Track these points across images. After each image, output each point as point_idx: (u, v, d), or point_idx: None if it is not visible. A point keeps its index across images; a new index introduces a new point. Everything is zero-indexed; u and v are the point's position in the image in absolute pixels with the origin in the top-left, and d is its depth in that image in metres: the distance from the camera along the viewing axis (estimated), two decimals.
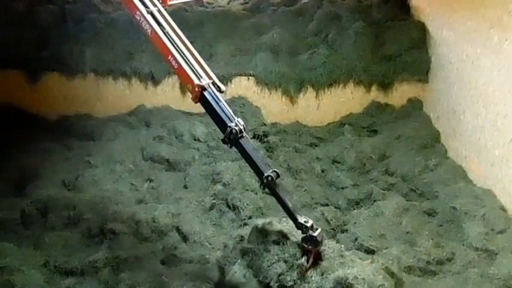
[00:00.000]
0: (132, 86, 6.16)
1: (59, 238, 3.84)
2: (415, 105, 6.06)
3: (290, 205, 3.03)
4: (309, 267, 2.94)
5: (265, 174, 2.97)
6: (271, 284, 2.92)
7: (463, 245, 3.81)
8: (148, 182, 4.80)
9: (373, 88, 6.13)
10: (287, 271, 2.93)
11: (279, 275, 2.92)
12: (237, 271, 3.10)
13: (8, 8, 6.29)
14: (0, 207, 4.21)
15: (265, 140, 5.54)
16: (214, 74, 3.28)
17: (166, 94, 6.20)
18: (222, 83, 3.28)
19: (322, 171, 5.09)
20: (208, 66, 3.31)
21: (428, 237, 3.90)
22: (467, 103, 4.85)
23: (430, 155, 5.09)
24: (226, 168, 4.79)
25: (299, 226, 2.96)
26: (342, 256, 3.05)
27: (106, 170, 4.86)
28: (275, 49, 6.10)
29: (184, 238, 3.95)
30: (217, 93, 3.15)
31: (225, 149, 5.35)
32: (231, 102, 5.83)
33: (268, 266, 3.00)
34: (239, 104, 5.96)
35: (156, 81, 6.13)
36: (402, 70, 6.02)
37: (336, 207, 4.47)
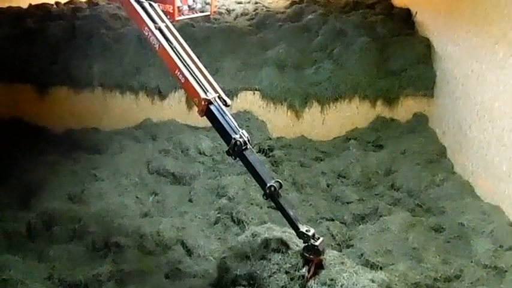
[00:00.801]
0: (139, 100, 6.23)
1: (63, 251, 3.85)
2: (420, 120, 6.05)
3: (292, 214, 3.02)
4: (311, 277, 2.91)
5: (268, 185, 2.99)
6: None
7: (471, 261, 3.74)
8: (153, 195, 4.80)
9: (379, 103, 6.14)
10: (289, 284, 2.90)
11: (281, 287, 2.89)
12: None
13: (19, 25, 6.45)
14: (5, 220, 4.24)
15: (270, 154, 5.55)
16: (220, 88, 3.33)
17: (173, 108, 6.25)
18: (228, 97, 3.32)
19: (328, 186, 5.07)
20: (215, 80, 3.36)
21: (435, 254, 3.83)
22: (473, 118, 4.84)
23: (436, 170, 5.05)
24: (232, 182, 4.79)
25: (301, 235, 2.95)
26: (342, 263, 3.03)
27: (112, 183, 4.88)
28: (281, 64, 6.16)
29: (189, 252, 3.93)
30: (223, 107, 3.19)
31: (230, 163, 5.36)
32: (236, 116, 5.86)
33: (269, 276, 2.96)
34: (245, 118, 6.00)
35: (162, 96, 6.20)
36: (407, 85, 6.04)
37: (341, 222, 4.43)
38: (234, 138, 3.04)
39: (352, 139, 5.96)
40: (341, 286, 2.83)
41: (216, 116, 3.13)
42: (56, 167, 5.11)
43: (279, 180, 3.04)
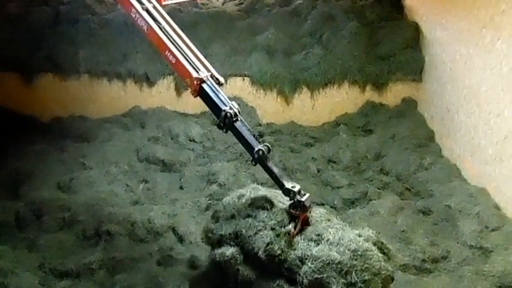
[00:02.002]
0: (127, 87, 6.15)
1: (53, 240, 3.83)
2: (409, 105, 6.10)
3: (276, 171, 3.02)
4: (297, 234, 2.92)
5: (256, 149, 2.98)
6: (259, 253, 2.90)
7: (458, 243, 3.83)
8: (143, 183, 4.79)
9: (368, 88, 6.16)
10: (275, 239, 2.89)
11: (267, 244, 2.88)
12: (225, 251, 3.04)
13: (1, 10, 6.26)
14: None
15: (260, 140, 5.53)
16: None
17: (162, 95, 6.19)
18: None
19: (318, 171, 5.11)
20: None
21: (423, 236, 3.92)
22: (460, 102, 4.89)
23: (424, 154, 5.12)
24: (222, 168, 4.79)
25: (286, 192, 2.95)
26: (329, 220, 3.06)
27: (101, 171, 4.85)
28: (270, 49, 6.12)
29: (180, 239, 3.95)
30: (216, 86, 3.14)
31: (220, 150, 5.36)
32: None
33: (255, 234, 2.96)
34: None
35: (151, 83, 6.13)
36: (396, 70, 6.06)
37: (331, 207, 4.49)
38: (224, 110, 3.01)
39: (341, 124, 5.99)
40: (327, 241, 2.85)
41: (209, 95, 3.08)
42: (44, 156, 5.05)
43: (267, 145, 3.05)
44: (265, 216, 3.02)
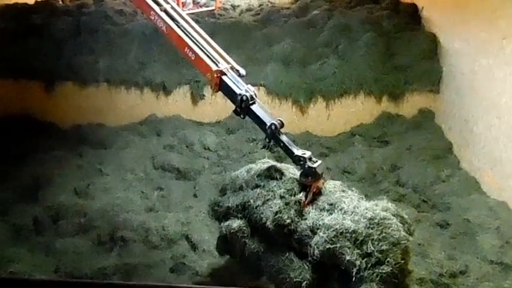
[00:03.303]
0: (144, 95, 6.25)
1: (69, 245, 3.88)
2: (426, 116, 6.01)
3: (286, 139, 2.91)
4: (308, 203, 2.73)
5: (269, 123, 2.88)
6: (267, 224, 2.70)
7: (477, 257, 3.72)
8: (158, 190, 4.82)
9: (384, 98, 6.11)
10: (284, 208, 2.69)
11: (275, 213, 2.68)
12: (231, 224, 2.88)
13: (25, 21, 6.48)
14: (13, 214, 4.28)
15: (275, 150, 5.54)
16: None
17: (178, 104, 6.26)
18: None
19: None
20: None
21: (440, 249, 3.82)
22: (480, 114, 4.80)
23: (442, 166, 5.02)
24: None
25: (296, 159, 2.79)
26: (343, 191, 2.87)
27: (117, 178, 4.91)
28: (286, 59, 6.14)
29: (194, 247, 3.95)
30: (236, 77, 3.13)
31: (235, 159, 5.37)
32: None
33: (263, 204, 2.77)
34: None
35: (167, 91, 6.21)
36: (413, 80, 6.00)
37: None
38: (240, 94, 2.95)
39: (357, 135, 5.93)
40: (341, 210, 2.64)
41: (229, 86, 3.03)
42: (63, 162, 5.14)
43: (281, 119, 2.94)
44: (275, 186, 2.83)
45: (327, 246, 2.48)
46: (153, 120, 6.14)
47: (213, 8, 6.67)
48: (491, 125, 4.55)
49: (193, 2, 5.93)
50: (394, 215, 2.64)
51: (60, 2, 7.71)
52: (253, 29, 6.49)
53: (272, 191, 2.81)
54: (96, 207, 4.28)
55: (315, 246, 2.54)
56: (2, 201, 4.42)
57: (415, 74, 5.98)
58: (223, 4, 7.79)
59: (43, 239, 4.00)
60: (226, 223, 2.92)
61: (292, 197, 2.73)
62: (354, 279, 2.43)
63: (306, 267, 2.65)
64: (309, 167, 2.73)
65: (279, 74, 6.02)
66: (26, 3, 7.22)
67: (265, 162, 3.13)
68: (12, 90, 6.17)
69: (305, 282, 2.63)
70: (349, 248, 2.45)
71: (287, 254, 2.71)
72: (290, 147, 2.87)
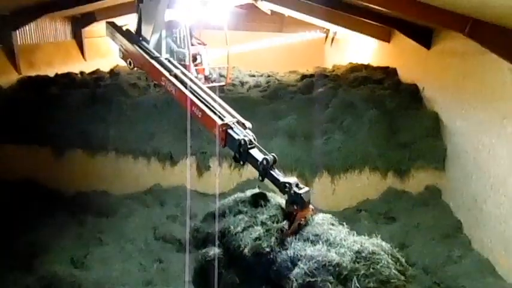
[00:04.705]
0: (150, 165, 6.32)
1: None
2: (433, 193, 5.95)
3: (276, 173, 2.79)
4: (292, 233, 2.50)
5: (261, 159, 2.81)
6: (245, 251, 2.46)
7: None
8: (158, 262, 4.66)
9: (389, 174, 6.11)
10: (264, 236, 2.47)
11: (255, 240, 2.45)
12: (208, 251, 2.69)
13: (44, 91, 6.82)
14: (5, 283, 4.10)
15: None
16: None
17: (183, 174, 6.28)
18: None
19: None
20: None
21: None
22: (487, 192, 4.74)
23: (452, 246, 4.84)
24: None
25: (282, 186, 2.65)
26: (333, 224, 2.65)
27: (116, 248, 4.77)
28: (291, 134, 6.28)
29: None
30: (242, 129, 3.17)
31: None
32: (246, 184, 5.84)
33: (243, 230, 2.54)
34: (254, 186, 5.96)
35: (174, 162, 6.28)
36: (418, 157, 6.05)
37: None
38: (238, 139, 2.95)
39: (363, 210, 5.83)
40: (326, 241, 2.39)
41: (232, 136, 3.07)
42: (63, 230, 5.05)
43: (274, 155, 2.87)
44: (258, 212, 2.64)
45: (307, 280, 2.24)
46: (158, 190, 6.14)
47: (223, 83, 7.01)
48: (500, 204, 4.47)
49: (205, 77, 6.24)
50: (387, 254, 2.42)
51: (79, 75, 8.18)
52: (261, 104, 6.75)
53: (255, 217, 2.63)
54: (92, 279, 4.10)
55: (294, 279, 2.28)
56: None
57: (419, 151, 6.05)
58: (233, 80, 8.20)
59: None
60: (204, 250, 2.75)
61: (275, 224, 2.55)
62: None
63: None
64: (295, 192, 2.62)
65: (285, 148, 6.11)
66: (47, 75, 7.66)
67: (254, 190, 3.00)
68: (21, 155, 6.28)
69: None
70: (331, 282, 2.21)
71: (264, 287, 2.48)
72: (277, 176, 2.77)
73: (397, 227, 5.40)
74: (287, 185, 2.65)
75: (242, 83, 8.34)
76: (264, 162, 2.82)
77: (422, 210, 5.65)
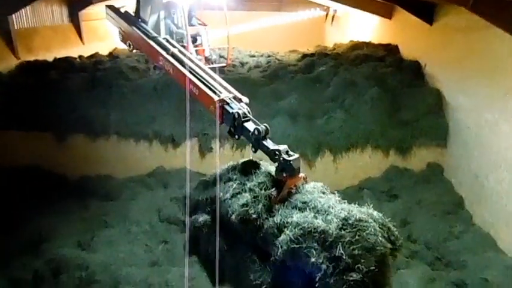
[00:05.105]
0: (152, 148, 6.33)
1: None
2: (435, 170, 5.97)
3: (268, 143, 2.69)
4: (281, 200, 2.47)
5: (253, 129, 2.72)
6: (232, 218, 2.44)
7: None
8: (163, 243, 4.72)
9: (391, 152, 6.11)
10: (252, 202, 2.44)
11: (242, 206, 2.43)
12: (198, 217, 2.69)
13: (43, 76, 6.79)
14: (13, 267, 4.18)
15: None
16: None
17: (186, 156, 6.31)
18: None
19: None
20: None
21: None
22: (489, 168, 4.75)
23: (454, 222, 4.89)
24: None
25: (272, 153, 2.57)
26: (323, 193, 2.59)
27: (122, 230, 4.84)
28: (293, 114, 6.26)
29: None
30: (238, 104, 3.04)
31: None
32: None
33: (232, 197, 2.52)
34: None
35: (176, 144, 6.29)
36: (420, 135, 6.04)
37: None
38: (232, 113, 2.84)
39: (365, 189, 5.86)
40: (313, 208, 2.36)
41: (227, 110, 2.95)
42: (68, 214, 5.12)
43: (266, 125, 2.75)
44: (247, 179, 2.59)
45: (292, 246, 2.21)
46: (161, 173, 6.16)
47: (224, 64, 6.95)
48: (501, 180, 4.48)
49: (205, 58, 6.18)
50: (377, 223, 2.34)
51: (78, 59, 8.11)
52: (261, 84, 6.70)
53: (244, 184, 2.59)
54: (99, 261, 4.18)
55: (279, 245, 2.26)
56: (3, 253, 4.34)
57: (421, 128, 6.03)
58: (233, 61, 8.13)
59: None
60: (193, 217, 2.75)
61: (263, 191, 2.50)
62: (317, 285, 2.14)
63: (269, 270, 2.38)
64: (284, 159, 2.55)
65: (286, 128, 6.10)
66: (45, 60, 7.60)
67: (248, 160, 2.91)
68: (24, 142, 6.29)
69: (264, 286, 2.37)
70: (315, 249, 2.16)
71: (250, 254, 2.46)
72: (267, 144, 2.68)
73: (400, 204, 5.44)
74: (277, 152, 2.58)
75: (242, 64, 8.27)
76: (256, 132, 2.73)
77: (424, 187, 5.68)
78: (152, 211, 5.27)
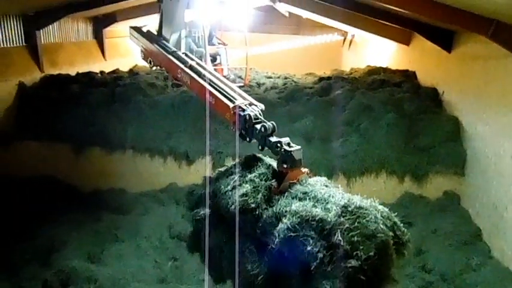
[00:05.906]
0: (166, 164, 6.38)
1: None
2: (451, 199, 5.83)
3: (272, 139, 2.67)
4: (280, 192, 2.45)
5: (259, 127, 2.73)
6: (231, 208, 2.44)
7: None
8: (172, 260, 4.69)
9: (407, 179, 6.01)
10: (252, 192, 2.43)
11: (241, 196, 2.42)
12: (199, 211, 2.74)
13: (65, 90, 6.98)
14: (23, 277, 4.20)
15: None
16: None
17: (199, 173, 6.31)
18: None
19: None
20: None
21: None
22: (509, 199, 4.62)
23: (471, 253, 4.73)
24: None
25: (274, 145, 2.57)
26: (326, 186, 2.56)
27: (132, 245, 4.83)
28: (307, 136, 6.25)
29: None
30: (249, 107, 3.04)
31: None
32: None
33: (233, 189, 2.52)
34: None
35: (190, 161, 6.33)
36: (436, 162, 5.94)
37: None
38: (244, 115, 2.83)
39: None
40: (313, 197, 2.33)
41: (241, 115, 2.93)
42: (80, 226, 5.14)
43: (273, 123, 2.76)
44: (248, 171, 2.60)
45: (288, 234, 2.18)
46: (174, 189, 6.18)
47: (241, 84, 7.04)
48: None
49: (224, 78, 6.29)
50: (379, 213, 2.28)
51: (99, 74, 8.33)
52: (277, 105, 6.74)
53: (245, 176, 2.60)
54: (108, 275, 4.16)
55: (277, 234, 2.24)
56: (14, 262, 4.37)
57: (438, 155, 5.94)
58: (250, 82, 8.22)
59: None
60: (195, 211, 2.79)
61: (263, 182, 2.50)
62: (313, 273, 2.09)
63: (266, 260, 2.35)
64: (285, 151, 2.53)
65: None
66: (68, 74, 7.83)
67: (251, 154, 2.92)
68: (42, 152, 6.42)
69: (261, 276, 2.33)
70: (312, 238, 2.13)
71: (248, 245, 2.44)
72: (271, 139, 2.67)
73: (414, 232, 5.29)
74: (278, 144, 2.59)
75: (259, 84, 8.35)
76: (262, 129, 2.73)
77: (440, 216, 5.54)
78: (163, 227, 5.27)
